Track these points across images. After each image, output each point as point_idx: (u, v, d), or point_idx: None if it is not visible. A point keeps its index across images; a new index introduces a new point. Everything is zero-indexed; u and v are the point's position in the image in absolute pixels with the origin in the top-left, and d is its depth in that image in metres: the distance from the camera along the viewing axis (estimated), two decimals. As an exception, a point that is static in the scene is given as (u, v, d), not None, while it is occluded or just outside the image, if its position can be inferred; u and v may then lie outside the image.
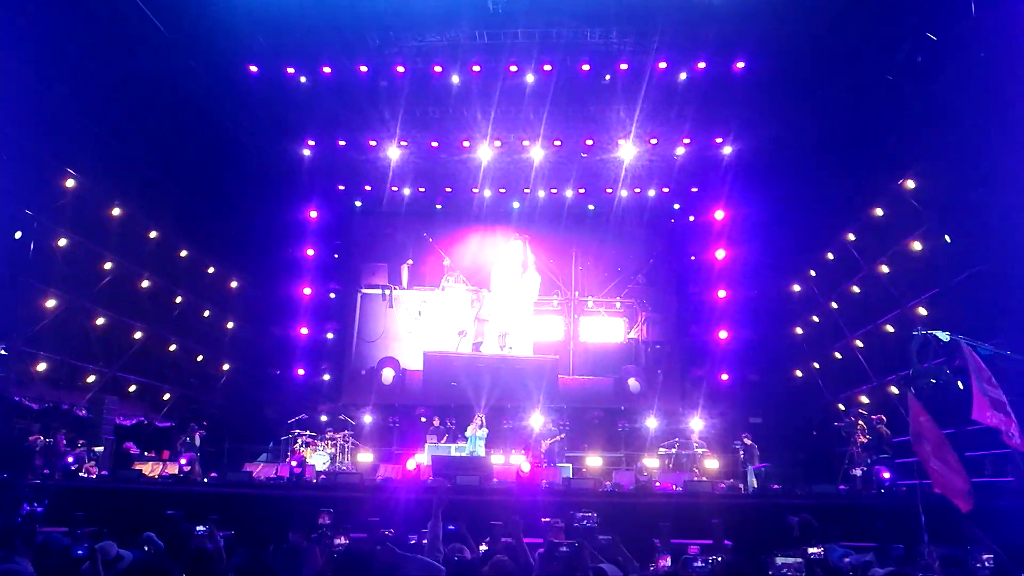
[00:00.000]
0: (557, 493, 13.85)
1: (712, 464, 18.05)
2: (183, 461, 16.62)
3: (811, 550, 6.28)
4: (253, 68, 17.54)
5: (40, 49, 14.40)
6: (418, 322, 23.62)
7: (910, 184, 16.28)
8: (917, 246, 16.30)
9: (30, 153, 15.48)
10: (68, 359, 17.70)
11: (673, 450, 18.60)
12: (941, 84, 14.26)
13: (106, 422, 17.68)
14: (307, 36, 16.79)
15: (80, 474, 15.16)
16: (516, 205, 23.78)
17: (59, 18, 14.19)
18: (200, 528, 7.06)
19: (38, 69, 14.69)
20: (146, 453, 18.05)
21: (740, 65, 17.29)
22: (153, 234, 19.88)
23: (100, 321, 18.44)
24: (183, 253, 21.34)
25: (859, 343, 19.26)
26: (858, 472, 15.25)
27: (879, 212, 17.70)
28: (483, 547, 7.03)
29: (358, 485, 14.12)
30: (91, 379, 18.46)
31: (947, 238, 15.18)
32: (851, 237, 19.08)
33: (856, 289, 19.17)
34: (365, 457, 19.17)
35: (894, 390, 17.15)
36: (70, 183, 16.78)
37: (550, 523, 6.09)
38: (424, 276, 23.91)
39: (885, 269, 17.77)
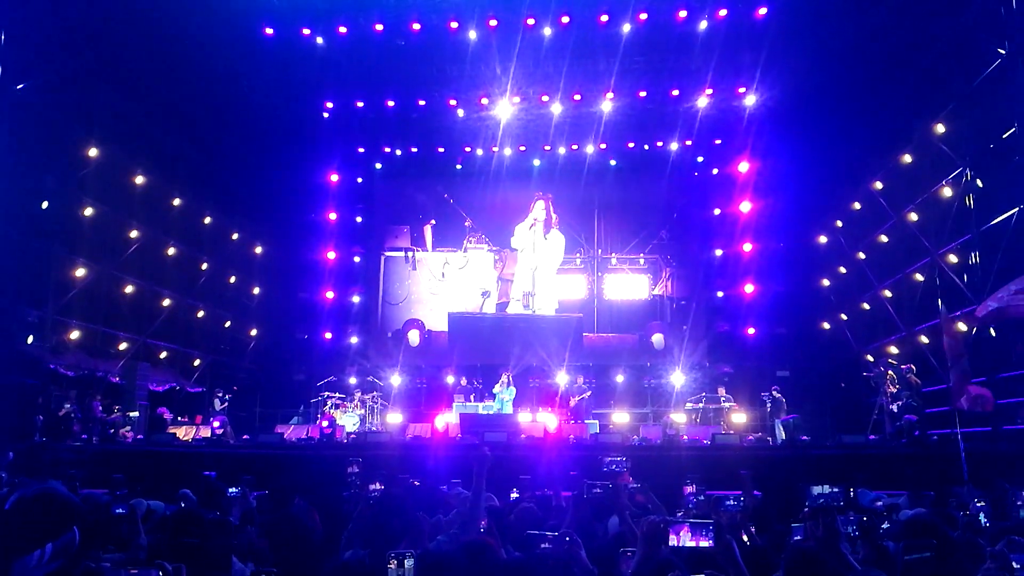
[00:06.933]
0: (585, 448, 13.94)
1: (740, 418, 18.05)
2: (215, 424, 16.91)
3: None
4: (269, 30, 17.39)
5: (56, 16, 14.36)
6: (442, 284, 23.63)
7: (939, 128, 15.88)
8: (947, 192, 15.95)
9: (51, 123, 15.55)
10: (100, 327, 18.02)
11: (700, 405, 18.59)
12: (966, 22, 13.82)
13: (139, 388, 18.01)
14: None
15: (116, 439, 15.50)
16: (537, 163, 23.53)
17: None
18: (233, 490, 7.20)
19: (56, 37, 14.68)
20: (179, 418, 18.40)
21: (763, 11, 16.84)
22: (177, 201, 20.02)
23: (129, 289, 18.69)
24: (207, 220, 21.49)
25: (888, 293, 19.02)
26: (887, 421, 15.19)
27: (907, 159, 17.33)
28: (514, 494, 7.10)
29: (387, 443, 14.30)
30: (123, 346, 18.77)
31: (979, 183, 14.84)
32: (879, 185, 18.72)
33: (884, 238, 18.87)
34: (394, 418, 19.37)
35: (924, 339, 16.97)
36: (93, 152, 16.86)
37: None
38: (447, 237, 23.84)
39: (914, 217, 17.44)
